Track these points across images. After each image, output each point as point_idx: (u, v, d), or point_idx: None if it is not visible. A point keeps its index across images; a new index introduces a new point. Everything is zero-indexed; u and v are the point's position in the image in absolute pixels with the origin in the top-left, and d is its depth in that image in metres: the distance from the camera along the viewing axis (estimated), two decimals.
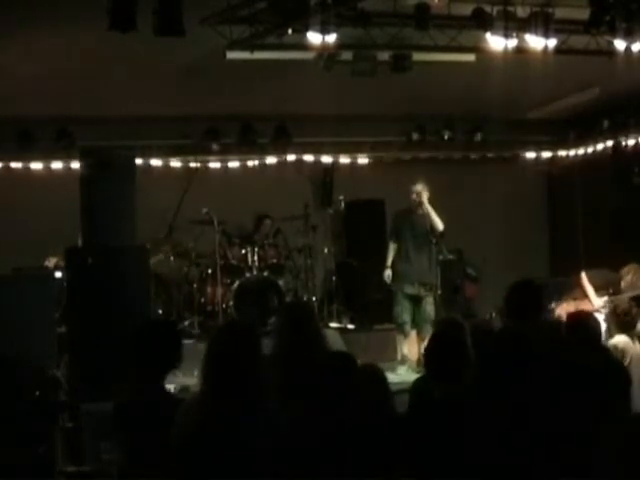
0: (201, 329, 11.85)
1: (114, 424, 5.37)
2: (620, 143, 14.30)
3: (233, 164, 14.29)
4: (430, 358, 5.36)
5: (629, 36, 9.65)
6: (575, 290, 10.86)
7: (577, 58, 10.72)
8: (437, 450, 4.90)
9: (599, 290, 10.62)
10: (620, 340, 7.51)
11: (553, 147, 15.62)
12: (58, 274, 10.54)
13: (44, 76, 10.94)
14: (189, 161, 13.85)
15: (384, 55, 11.11)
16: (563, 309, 10.73)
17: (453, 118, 14.65)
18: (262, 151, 14.27)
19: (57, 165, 13.40)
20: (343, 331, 12.22)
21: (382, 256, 11.72)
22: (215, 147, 13.87)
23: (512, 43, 9.75)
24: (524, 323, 6.12)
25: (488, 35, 9.74)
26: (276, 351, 5.92)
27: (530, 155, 15.62)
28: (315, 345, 5.87)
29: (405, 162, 14.78)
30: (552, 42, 9.88)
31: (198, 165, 13.76)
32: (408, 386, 8.96)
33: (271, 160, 14.39)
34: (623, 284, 10.40)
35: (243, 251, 12.39)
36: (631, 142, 14.12)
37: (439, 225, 11.03)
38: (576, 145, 15.30)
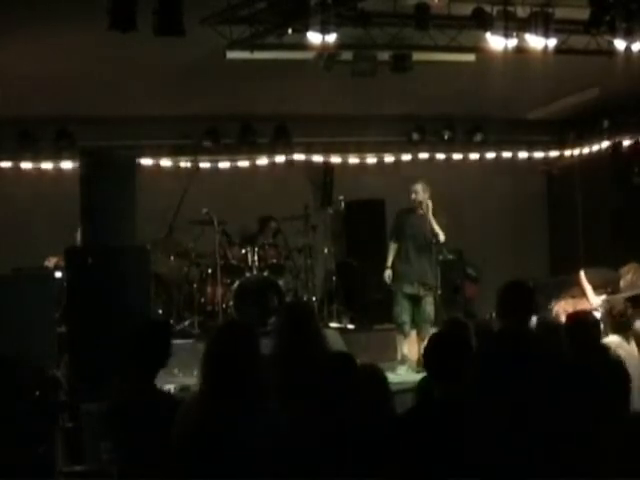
0: (201, 329, 11.85)
1: (106, 424, 5.39)
2: (620, 143, 14.30)
3: (233, 164, 14.29)
4: (430, 358, 5.36)
5: (629, 36, 9.66)
6: (574, 288, 10.86)
7: (577, 58, 10.72)
8: (437, 450, 4.90)
9: (597, 289, 10.62)
10: (612, 340, 7.51)
11: (553, 147, 15.63)
12: (58, 274, 10.53)
13: (44, 76, 10.94)
14: (189, 161, 13.85)
15: (384, 55, 11.12)
16: (561, 307, 10.74)
17: (453, 118, 14.65)
18: (262, 151, 14.27)
19: (57, 165, 13.40)
20: (343, 331, 12.22)
21: (382, 256, 11.72)
22: (215, 147, 13.87)
23: (512, 43, 9.76)
24: (516, 323, 6.11)
25: (488, 35, 9.75)
26: (276, 351, 5.92)
27: (530, 155, 15.62)
28: (315, 345, 5.87)
29: (405, 162, 14.79)
30: (552, 42, 9.89)
31: (198, 165, 13.76)
32: (408, 386, 9.02)
33: (271, 160, 14.40)
34: (622, 283, 10.40)
35: (243, 251, 12.39)
36: (631, 142, 14.12)
37: (440, 236, 11.02)
38: (576, 145, 15.31)
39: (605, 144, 14.65)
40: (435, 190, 11.23)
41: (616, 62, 10.39)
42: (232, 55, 10.42)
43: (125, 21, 8.51)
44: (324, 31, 9.27)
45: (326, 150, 14.56)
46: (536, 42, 9.81)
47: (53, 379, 8.58)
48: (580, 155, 15.32)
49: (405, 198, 11.32)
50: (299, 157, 14.50)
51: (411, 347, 11.21)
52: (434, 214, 11.00)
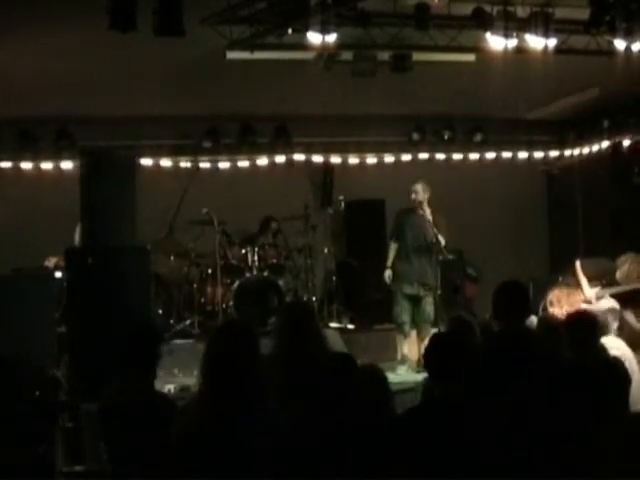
0: (201, 329, 11.85)
1: (100, 424, 5.41)
2: (620, 143, 14.30)
3: (233, 164, 14.29)
4: (430, 358, 5.36)
5: (629, 36, 9.65)
6: (569, 278, 10.86)
7: (577, 58, 10.72)
8: (437, 450, 4.90)
9: (593, 280, 10.63)
10: (609, 340, 7.54)
11: (553, 147, 15.63)
12: (58, 274, 10.53)
13: (44, 76, 10.94)
14: (189, 161, 13.85)
15: (384, 55, 11.12)
16: (555, 295, 10.75)
17: (453, 118, 14.65)
18: (262, 151, 14.27)
19: (57, 165, 13.39)
20: (343, 331, 12.22)
21: (382, 256, 11.72)
22: (215, 147, 13.87)
23: (512, 43, 9.76)
24: (512, 323, 6.10)
25: (488, 35, 9.75)
26: (276, 351, 5.92)
27: (530, 155, 15.62)
28: (315, 345, 5.87)
29: (405, 162, 14.79)
30: (552, 42, 9.88)
31: (198, 165, 13.75)
32: (408, 386, 9.04)
33: (271, 160, 14.39)
34: (619, 274, 10.41)
35: (243, 251, 12.38)
36: (631, 142, 14.12)
37: (441, 241, 11.01)
38: (576, 145, 15.30)
39: (605, 144, 14.65)
40: (435, 190, 11.23)
41: (616, 62, 10.38)
42: (232, 55, 10.42)
43: (125, 21, 8.50)
44: (324, 31, 9.26)
45: (326, 150, 14.56)
46: (536, 42, 9.80)
47: (53, 379, 8.58)
48: (580, 155, 15.32)
49: (405, 198, 11.32)
50: (299, 157, 14.49)
51: (411, 347, 11.21)
52: (433, 215, 11.00)
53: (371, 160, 14.86)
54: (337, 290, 13.41)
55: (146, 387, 5.41)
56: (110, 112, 12.47)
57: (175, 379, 9.49)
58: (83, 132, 12.94)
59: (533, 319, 8.89)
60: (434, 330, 10.51)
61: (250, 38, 9.93)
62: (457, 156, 15.17)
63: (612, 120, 14.31)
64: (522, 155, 15.58)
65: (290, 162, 14.46)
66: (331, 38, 9.37)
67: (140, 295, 9.19)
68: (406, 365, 11.00)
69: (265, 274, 12.27)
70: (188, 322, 12.07)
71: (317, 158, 14.58)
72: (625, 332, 9.35)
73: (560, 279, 11.05)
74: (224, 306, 11.99)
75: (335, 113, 13.50)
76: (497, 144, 15.27)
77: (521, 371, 5.34)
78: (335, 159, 14.66)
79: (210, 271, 12.30)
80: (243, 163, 14.33)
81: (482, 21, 9.68)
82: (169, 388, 9.03)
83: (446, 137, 14.84)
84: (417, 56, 11.00)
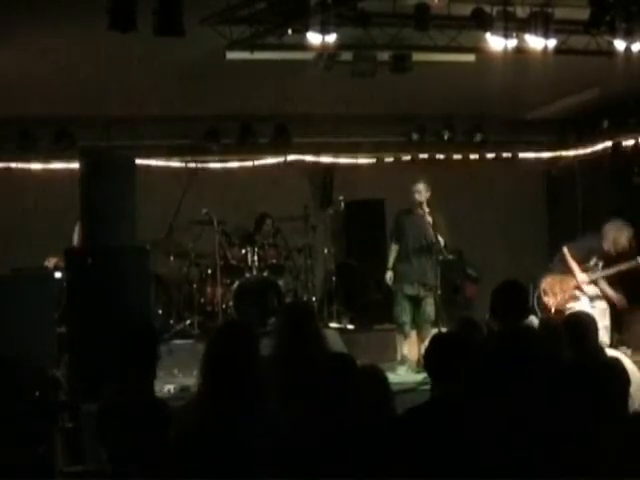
0: (201, 329, 11.85)
1: (99, 425, 5.41)
2: (620, 143, 14.30)
3: (233, 164, 14.28)
4: (430, 359, 5.36)
5: (629, 36, 9.66)
6: (561, 265, 10.89)
7: (577, 58, 10.72)
8: (437, 450, 4.90)
9: (583, 263, 10.68)
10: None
11: (553, 147, 15.62)
12: (58, 274, 10.54)
13: (44, 76, 10.94)
14: (189, 161, 13.85)
15: (384, 55, 11.11)
16: (547, 284, 10.78)
17: (453, 118, 14.65)
18: (262, 151, 14.26)
19: (57, 165, 13.38)
20: (343, 331, 12.22)
21: (382, 256, 11.72)
22: (215, 147, 13.87)
23: (512, 43, 9.76)
24: (510, 323, 6.11)
25: (488, 35, 9.75)
26: (276, 351, 5.92)
27: (530, 155, 15.61)
28: (315, 346, 5.87)
29: (405, 162, 14.79)
30: (552, 42, 9.88)
31: (198, 165, 13.75)
32: (408, 386, 9.04)
33: (271, 160, 14.38)
34: (606, 245, 10.51)
35: (243, 251, 12.39)
36: (631, 142, 14.12)
37: (441, 241, 11.01)
38: (576, 145, 15.30)
39: (605, 144, 14.65)
40: (435, 190, 11.23)
41: (616, 62, 10.38)
42: (232, 55, 10.42)
43: (125, 21, 8.50)
44: (324, 31, 9.26)
45: (326, 150, 14.56)
46: (536, 42, 9.80)
47: (53, 379, 8.58)
48: (580, 155, 15.32)
49: (405, 198, 11.32)
50: (299, 157, 14.49)
51: (411, 347, 11.21)
52: (433, 215, 11.00)
53: (371, 160, 14.85)
54: (337, 290, 13.41)
55: (146, 387, 5.41)
56: (110, 112, 12.48)
57: (175, 379, 9.50)
58: (83, 132, 12.94)
59: (533, 319, 8.91)
60: (434, 330, 10.51)
61: (250, 38, 9.93)
62: (457, 156, 15.17)
63: (612, 120, 14.31)
64: (522, 155, 15.57)
65: (290, 162, 14.46)
66: (331, 38, 9.37)
67: (140, 295, 9.19)
68: (406, 365, 11.00)
69: (265, 274, 12.27)
70: (188, 322, 12.08)
71: (317, 158, 14.58)
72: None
73: (550, 266, 11.07)
74: (224, 306, 12.00)
75: (335, 113, 13.50)
76: (497, 144, 15.26)
77: (521, 371, 5.33)
78: (335, 159, 14.66)
79: (210, 271, 12.31)
80: (243, 163, 14.33)
81: (482, 21, 9.68)
82: (169, 388, 9.04)
83: (446, 137, 14.83)
84: (417, 56, 11.00)
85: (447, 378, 5.17)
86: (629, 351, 9.99)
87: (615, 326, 10.89)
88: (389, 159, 14.90)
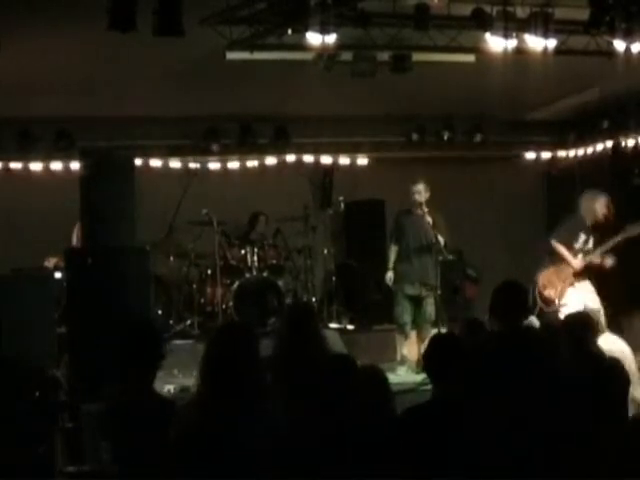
0: (201, 330, 11.86)
1: (104, 426, 5.40)
2: (620, 143, 14.30)
3: (233, 164, 14.28)
4: (429, 359, 5.36)
5: (629, 36, 9.65)
6: (553, 258, 10.91)
7: (577, 58, 10.71)
8: (437, 450, 4.90)
9: (572, 245, 10.73)
10: (607, 337, 7.57)
11: (553, 147, 15.62)
12: (58, 274, 10.54)
13: (44, 76, 10.94)
14: (189, 161, 13.84)
15: (384, 55, 11.11)
16: (545, 278, 10.80)
17: (453, 118, 14.65)
18: (262, 151, 14.25)
19: (57, 165, 13.38)
20: (343, 332, 12.22)
21: (382, 256, 11.72)
22: (215, 147, 13.87)
23: (512, 43, 9.75)
24: (510, 323, 6.11)
25: (488, 35, 9.74)
26: (276, 352, 5.92)
27: (530, 155, 15.61)
28: (315, 346, 5.88)
29: (405, 162, 14.76)
30: (552, 42, 9.87)
31: (198, 165, 13.75)
32: (408, 387, 9.04)
33: (271, 160, 14.38)
34: (587, 218, 10.70)
35: (243, 252, 12.39)
36: (631, 142, 14.12)
37: (441, 241, 11.01)
38: (576, 145, 15.29)
39: (605, 144, 14.65)
40: (435, 190, 11.23)
41: (616, 62, 10.37)
42: (232, 55, 10.41)
43: (125, 21, 8.49)
44: (324, 31, 9.25)
45: (326, 150, 14.55)
46: (536, 42, 9.79)
47: (53, 379, 8.58)
48: (580, 155, 15.31)
49: (405, 198, 11.31)
50: (299, 157, 14.49)
51: (411, 348, 11.20)
52: (432, 215, 11.00)
53: (371, 160, 14.85)
54: (337, 291, 13.42)
55: (148, 387, 5.41)
56: (110, 112, 12.47)
57: (175, 379, 9.49)
58: (83, 132, 12.93)
59: (533, 319, 8.91)
60: (434, 331, 10.51)
61: (250, 38, 9.92)
62: (457, 156, 15.16)
63: (612, 120, 14.30)
64: (522, 155, 15.58)
65: (290, 163, 14.45)
66: (331, 38, 9.36)
67: (140, 295, 9.19)
68: (406, 366, 11.00)
69: (265, 275, 12.28)
70: (188, 323, 12.09)
71: (317, 159, 14.58)
72: None
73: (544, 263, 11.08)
74: (224, 307, 12.00)
75: (334, 114, 13.49)
76: (497, 144, 15.25)
77: (521, 371, 5.34)
78: (335, 159, 14.65)
79: (210, 272, 12.31)
80: (243, 163, 14.32)
81: (482, 21, 9.67)
82: (169, 388, 9.03)
83: (446, 137, 14.83)
84: (417, 56, 10.99)
85: (447, 378, 5.17)
86: None
87: (615, 327, 10.91)
88: (389, 159, 14.89)
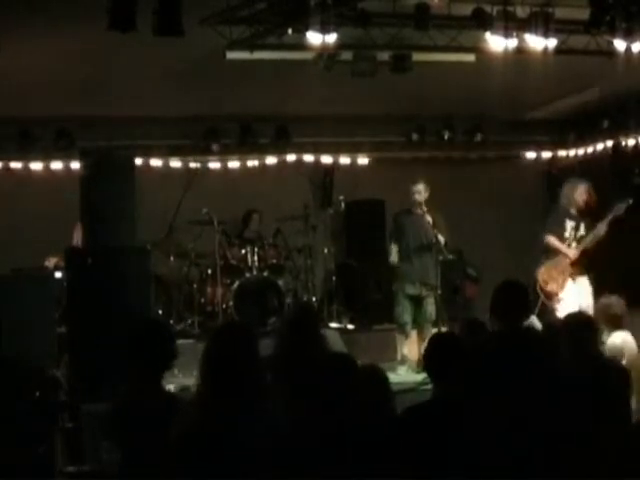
0: (201, 329, 11.86)
1: (112, 425, 5.39)
2: (620, 143, 14.30)
3: (233, 164, 14.28)
4: (429, 359, 5.36)
5: (629, 36, 9.65)
6: (548, 253, 10.92)
7: (577, 58, 10.72)
8: (437, 450, 4.90)
9: (562, 235, 10.75)
10: (618, 336, 7.56)
11: (553, 147, 15.62)
12: (58, 274, 10.54)
13: (44, 76, 10.93)
14: (189, 161, 13.84)
15: (384, 55, 11.11)
16: (544, 273, 10.81)
17: (453, 118, 14.65)
18: (262, 151, 14.26)
19: (57, 165, 13.39)
20: (343, 331, 12.22)
21: (382, 256, 11.72)
22: (215, 147, 13.87)
23: (512, 43, 9.75)
24: (510, 323, 6.11)
25: (488, 35, 9.74)
26: (277, 351, 5.92)
27: (530, 155, 15.62)
28: (315, 346, 5.88)
29: (405, 162, 14.77)
30: (552, 42, 9.87)
31: (198, 165, 13.75)
32: (408, 386, 9.04)
33: (271, 160, 14.38)
34: (573, 206, 10.75)
35: (243, 251, 12.40)
36: (631, 142, 14.12)
37: (441, 240, 11.01)
38: (576, 145, 15.30)
39: (605, 144, 14.65)
40: (435, 190, 11.23)
41: (616, 62, 10.38)
42: (232, 55, 10.41)
43: (125, 21, 8.49)
44: (324, 31, 9.25)
45: (326, 150, 14.56)
46: (536, 42, 9.79)
47: (53, 379, 8.58)
48: (580, 155, 15.31)
49: (405, 198, 11.32)
50: (299, 157, 14.49)
51: (411, 347, 11.21)
52: (432, 215, 11.00)
53: (371, 160, 14.85)
54: (337, 290, 13.42)
55: (158, 386, 5.39)
56: (110, 112, 12.47)
57: (175, 379, 9.48)
58: (83, 132, 12.94)
59: (533, 319, 8.91)
60: (435, 330, 10.51)
61: (250, 38, 9.92)
62: (457, 156, 15.16)
63: (612, 120, 14.31)
64: (522, 155, 15.58)
65: (290, 162, 14.45)
66: (331, 38, 9.36)
67: (140, 295, 9.19)
68: (406, 365, 11.00)
69: (265, 274, 12.28)
70: (188, 322, 12.09)
71: (317, 158, 14.58)
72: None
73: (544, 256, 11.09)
74: (224, 306, 12.01)
75: (334, 113, 13.49)
76: (497, 144, 15.26)
77: (521, 371, 5.34)
78: (335, 159, 14.66)
79: (210, 271, 12.32)
80: (243, 163, 14.33)
81: (482, 21, 9.67)
82: (169, 388, 9.02)
83: (446, 137, 14.83)
84: (417, 56, 10.99)
85: (447, 378, 5.17)
86: None
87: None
88: (389, 159, 14.89)
